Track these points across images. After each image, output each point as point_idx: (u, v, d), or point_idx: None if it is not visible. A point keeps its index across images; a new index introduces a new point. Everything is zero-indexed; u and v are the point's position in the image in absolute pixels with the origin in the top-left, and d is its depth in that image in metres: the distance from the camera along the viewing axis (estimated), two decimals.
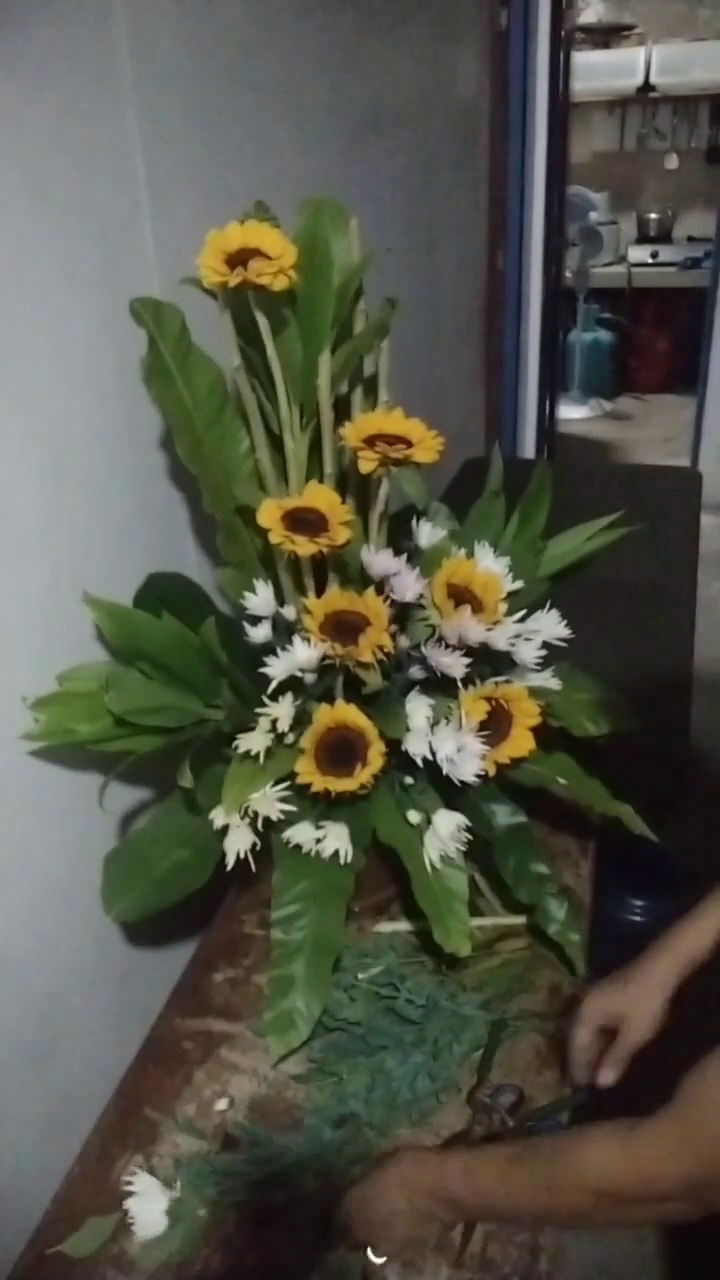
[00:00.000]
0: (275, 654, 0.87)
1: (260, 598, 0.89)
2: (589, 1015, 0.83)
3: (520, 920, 1.02)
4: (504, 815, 0.99)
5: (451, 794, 0.91)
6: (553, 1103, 0.86)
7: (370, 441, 0.83)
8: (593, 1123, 0.65)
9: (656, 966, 0.83)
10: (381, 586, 0.89)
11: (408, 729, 0.88)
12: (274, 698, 0.87)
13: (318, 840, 0.89)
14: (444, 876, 0.90)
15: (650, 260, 5.18)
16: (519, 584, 0.95)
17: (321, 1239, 0.77)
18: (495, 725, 0.90)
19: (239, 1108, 0.89)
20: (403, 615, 0.92)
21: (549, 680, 0.96)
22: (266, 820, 0.86)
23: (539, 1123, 0.84)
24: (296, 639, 0.87)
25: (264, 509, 0.84)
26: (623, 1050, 0.81)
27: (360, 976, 0.97)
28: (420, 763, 0.87)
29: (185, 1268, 0.77)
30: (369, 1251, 0.76)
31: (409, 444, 0.83)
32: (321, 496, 0.86)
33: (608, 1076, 0.81)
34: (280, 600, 0.93)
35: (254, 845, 0.86)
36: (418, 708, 0.89)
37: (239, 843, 0.86)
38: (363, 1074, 0.89)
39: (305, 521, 0.84)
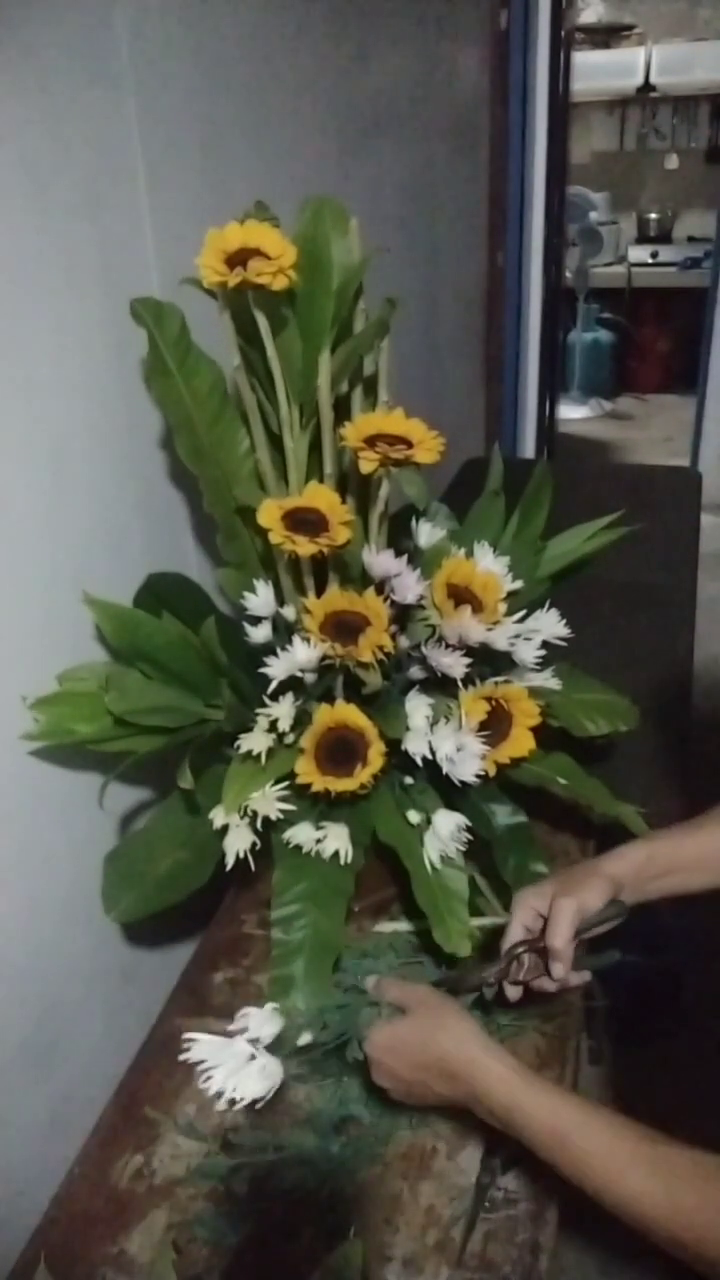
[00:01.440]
0: (275, 654, 0.87)
1: (260, 598, 0.89)
2: (519, 904, 0.81)
3: None
4: (504, 815, 0.99)
5: (451, 794, 0.91)
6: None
7: (370, 442, 0.83)
8: None
9: (613, 851, 0.80)
10: (381, 586, 0.89)
11: (408, 729, 0.88)
12: (274, 698, 0.87)
13: (318, 840, 0.89)
14: (444, 876, 0.90)
15: (650, 260, 5.19)
16: (519, 584, 0.95)
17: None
18: (495, 725, 0.90)
19: (239, 1108, 0.89)
20: (403, 615, 0.92)
21: (549, 680, 0.96)
22: (266, 820, 0.86)
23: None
24: (296, 639, 0.87)
25: (264, 509, 0.84)
26: (559, 915, 0.75)
27: (360, 976, 0.97)
28: (420, 762, 0.87)
29: (185, 1268, 0.77)
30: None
31: (409, 444, 0.83)
32: (322, 496, 0.86)
33: (557, 938, 0.75)
34: (280, 600, 0.93)
35: (254, 845, 0.86)
36: (417, 707, 0.89)
37: (239, 842, 0.86)
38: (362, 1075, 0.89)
39: (305, 521, 0.84)
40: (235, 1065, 0.74)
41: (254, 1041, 0.76)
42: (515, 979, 0.81)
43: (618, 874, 0.79)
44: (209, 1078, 0.74)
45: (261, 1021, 0.77)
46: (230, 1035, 0.77)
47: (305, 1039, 0.82)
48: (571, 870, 0.82)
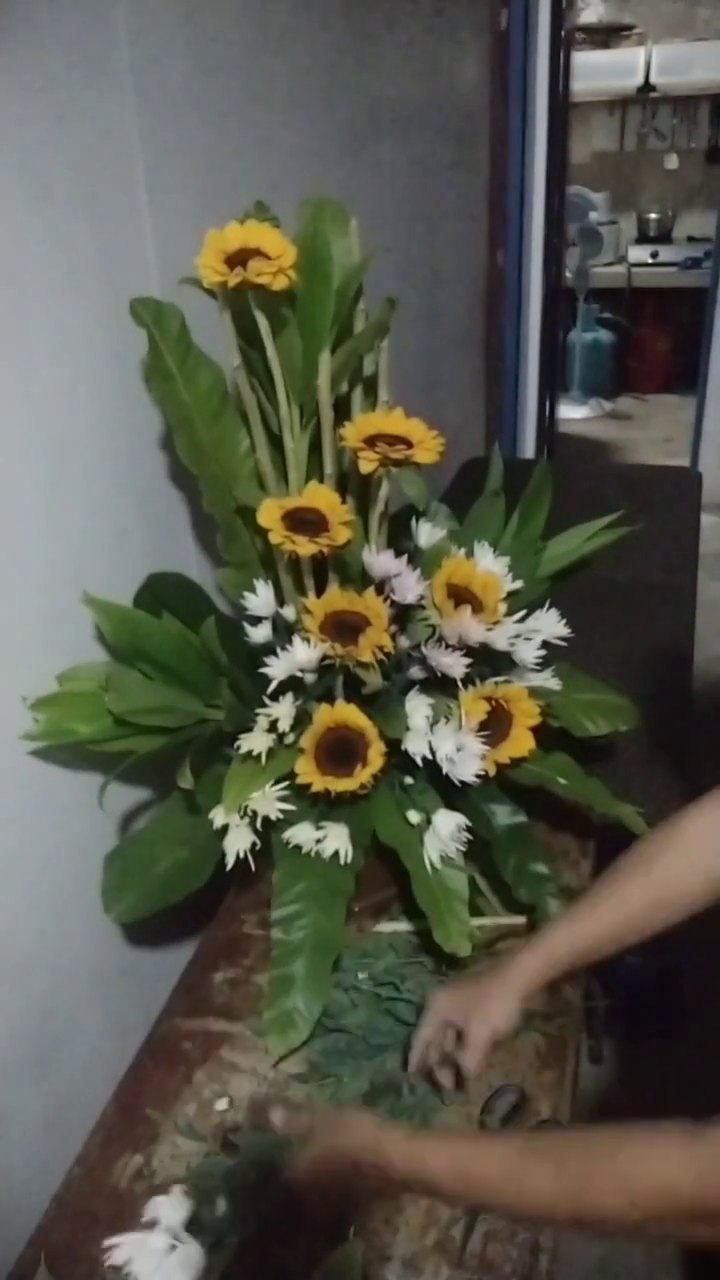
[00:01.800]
0: (275, 654, 0.87)
1: (260, 598, 0.89)
2: (435, 1010, 0.86)
3: (520, 920, 1.02)
4: (504, 815, 0.99)
5: (451, 794, 0.91)
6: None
7: (370, 442, 0.83)
8: (641, 1124, 0.60)
9: (516, 965, 0.84)
10: (381, 586, 0.89)
11: (407, 729, 0.88)
12: (274, 698, 0.87)
13: (318, 840, 0.89)
14: (444, 876, 0.90)
15: (650, 260, 5.18)
16: (519, 584, 0.95)
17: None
18: (495, 725, 0.90)
19: (239, 1108, 0.89)
20: (403, 615, 0.92)
21: (549, 680, 0.96)
22: (266, 820, 0.86)
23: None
24: (296, 639, 0.87)
25: (264, 509, 0.84)
26: (476, 1042, 0.82)
27: (360, 976, 0.97)
28: (420, 762, 0.88)
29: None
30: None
31: (409, 444, 0.83)
32: (322, 496, 0.86)
33: (471, 1061, 0.82)
34: (280, 600, 0.93)
35: (254, 845, 0.86)
36: (417, 707, 0.89)
37: (238, 842, 0.86)
38: (363, 1077, 0.89)
39: (305, 521, 0.84)
40: (156, 1260, 0.73)
41: (169, 1231, 0.74)
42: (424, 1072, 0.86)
43: (528, 988, 0.84)
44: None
45: (171, 1208, 0.75)
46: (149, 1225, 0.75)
47: (221, 1208, 0.80)
48: (480, 986, 0.85)
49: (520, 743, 0.91)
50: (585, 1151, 0.61)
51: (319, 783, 0.85)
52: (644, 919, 0.81)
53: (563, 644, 0.96)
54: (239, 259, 0.81)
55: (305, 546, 0.83)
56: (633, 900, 0.81)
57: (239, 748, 0.86)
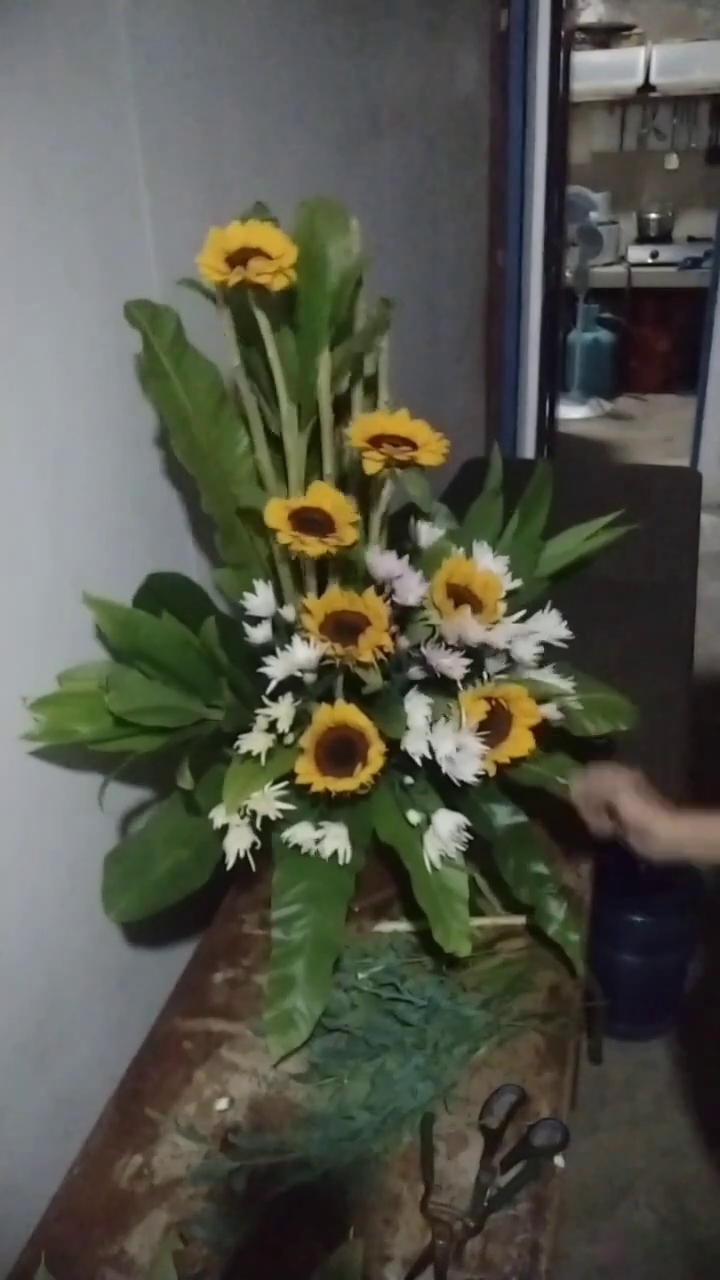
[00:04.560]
0: (275, 654, 0.87)
1: (260, 598, 0.89)
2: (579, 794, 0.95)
3: (520, 920, 1.02)
4: (504, 815, 0.99)
5: (451, 794, 0.91)
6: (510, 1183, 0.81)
7: (375, 442, 0.83)
8: None
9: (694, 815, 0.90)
10: (382, 587, 0.89)
11: (407, 728, 0.88)
12: (274, 698, 0.87)
13: (317, 840, 0.89)
14: (444, 876, 0.90)
15: (650, 260, 5.19)
16: (518, 583, 0.95)
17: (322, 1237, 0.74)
18: (495, 725, 0.90)
19: (239, 1108, 0.89)
20: (402, 615, 0.92)
21: (560, 681, 0.96)
22: (266, 820, 0.86)
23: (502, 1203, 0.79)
24: (296, 639, 0.87)
25: (271, 509, 0.84)
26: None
27: (360, 976, 0.97)
28: (420, 762, 0.87)
29: (185, 1268, 0.76)
30: None
31: (413, 445, 0.83)
32: (328, 497, 0.85)
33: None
34: (280, 600, 0.93)
35: (253, 845, 0.86)
36: (417, 707, 0.89)
37: (238, 842, 0.86)
38: (363, 1079, 0.89)
39: (312, 522, 0.84)
40: None
41: None
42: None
43: (693, 835, 0.90)
44: None
45: None
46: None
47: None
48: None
49: (520, 742, 0.91)
50: None
51: (319, 783, 0.85)
52: None
53: (563, 644, 0.96)
54: (240, 258, 0.81)
55: (314, 547, 0.83)
56: None
57: (239, 748, 0.86)
